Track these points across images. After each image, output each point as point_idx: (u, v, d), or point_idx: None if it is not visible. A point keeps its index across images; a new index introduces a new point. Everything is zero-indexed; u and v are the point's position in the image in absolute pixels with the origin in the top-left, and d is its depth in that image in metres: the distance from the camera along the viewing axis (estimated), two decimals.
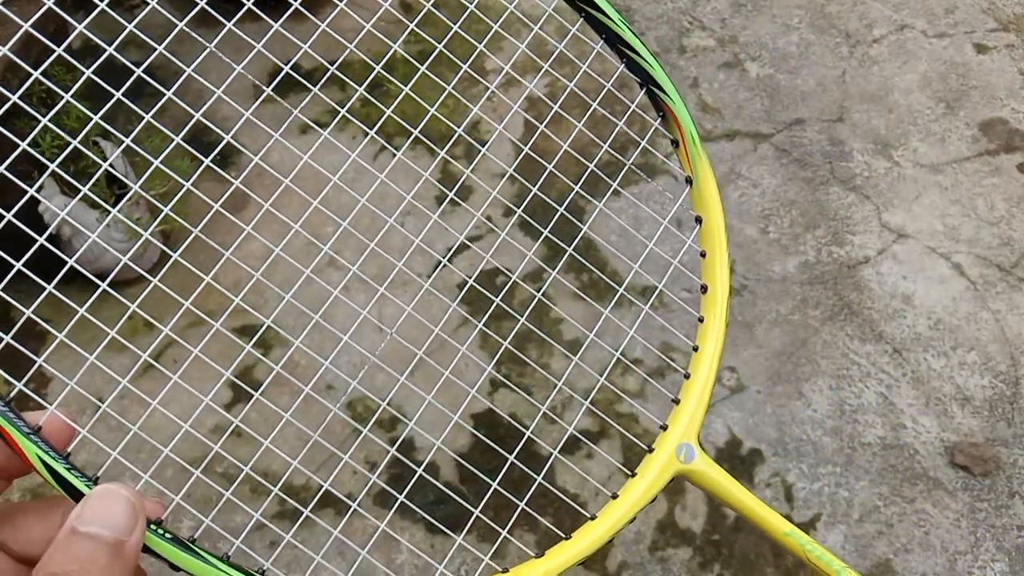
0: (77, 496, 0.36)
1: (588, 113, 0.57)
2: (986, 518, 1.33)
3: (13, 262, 0.39)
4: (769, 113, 1.72)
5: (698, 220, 0.55)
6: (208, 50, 0.43)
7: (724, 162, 1.66)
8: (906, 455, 1.38)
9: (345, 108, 0.50)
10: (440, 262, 1.52)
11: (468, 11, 0.52)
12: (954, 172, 1.65)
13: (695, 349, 0.53)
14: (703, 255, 0.54)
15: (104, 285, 0.40)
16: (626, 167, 0.57)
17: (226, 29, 0.41)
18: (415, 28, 0.50)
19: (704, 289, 0.54)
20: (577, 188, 0.53)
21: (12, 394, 0.37)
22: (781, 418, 1.41)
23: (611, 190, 0.59)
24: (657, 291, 0.58)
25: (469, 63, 0.52)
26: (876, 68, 1.78)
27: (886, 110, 1.72)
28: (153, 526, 0.37)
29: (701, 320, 0.53)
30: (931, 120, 1.71)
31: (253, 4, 0.42)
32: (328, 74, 0.51)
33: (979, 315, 1.50)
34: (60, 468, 0.36)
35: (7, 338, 0.39)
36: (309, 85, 0.48)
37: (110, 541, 0.33)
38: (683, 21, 1.86)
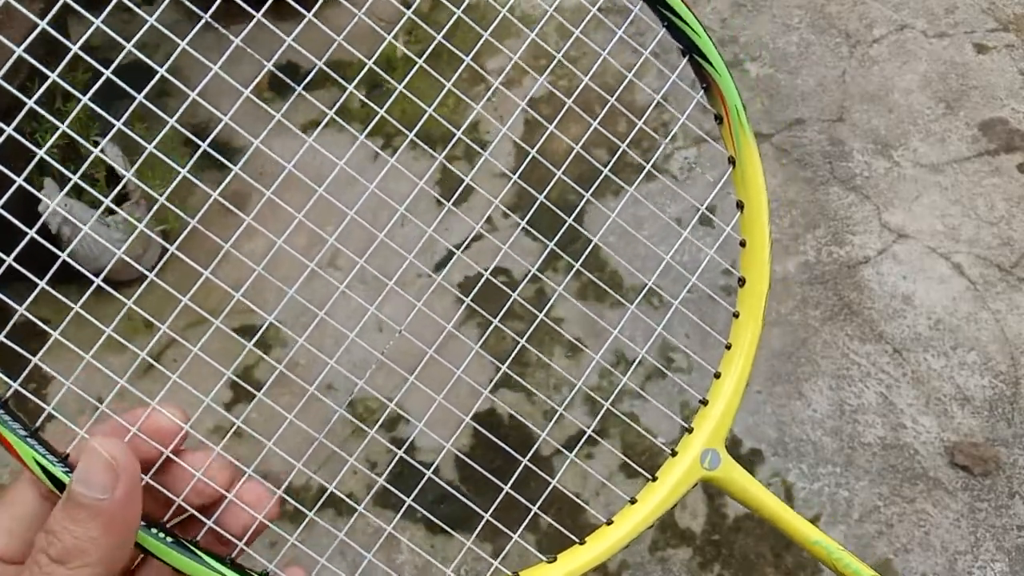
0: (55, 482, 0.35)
1: (611, 107, 0.57)
2: (986, 518, 1.33)
3: (30, 274, 0.39)
4: (769, 113, 1.72)
5: (739, 206, 0.49)
6: (180, 49, 0.43)
7: (724, 162, 1.66)
8: (906, 455, 1.38)
9: (333, 112, 0.50)
10: (440, 263, 1.52)
11: (468, 12, 0.52)
12: (954, 172, 1.65)
13: (728, 347, 0.49)
14: (743, 244, 0.49)
15: (98, 280, 0.40)
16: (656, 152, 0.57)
17: (196, 29, 0.41)
18: (413, 28, 0.50)
19: (742, 282, 0.49)
20: (590, 197, 0.53)
21: (8, 394, 0.37)
22: (781, 418, 1.41)
23: (643, 175, 0.58)
24: (687, 286, 0.57)
25: (466, 64, 0.52)
26: (876, 68, 1.78)
27: (886, 110, 1.72)
28: (154, 530, 0.36)
29: (736, 315, 0.49)
30: (931, 120, 1.71)
31: (244, 2, 0.42)
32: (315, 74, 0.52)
33: (979, 315, 1.50)
34: (58, 472, 0.35)
35: (1, 335, 0.39)
36: (294, 86, 0.48)
37: (87, 501, 0.32)
38: None
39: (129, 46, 0.39)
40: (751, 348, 0.48)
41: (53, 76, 0.38)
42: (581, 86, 0.53)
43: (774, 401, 1.42)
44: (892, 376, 1.44)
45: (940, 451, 1.38)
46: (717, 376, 0.48)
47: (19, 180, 0.35)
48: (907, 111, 1.72)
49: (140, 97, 0.39)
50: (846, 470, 1.37)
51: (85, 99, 0.38)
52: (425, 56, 0.49)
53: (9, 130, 0.35)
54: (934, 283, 1.53)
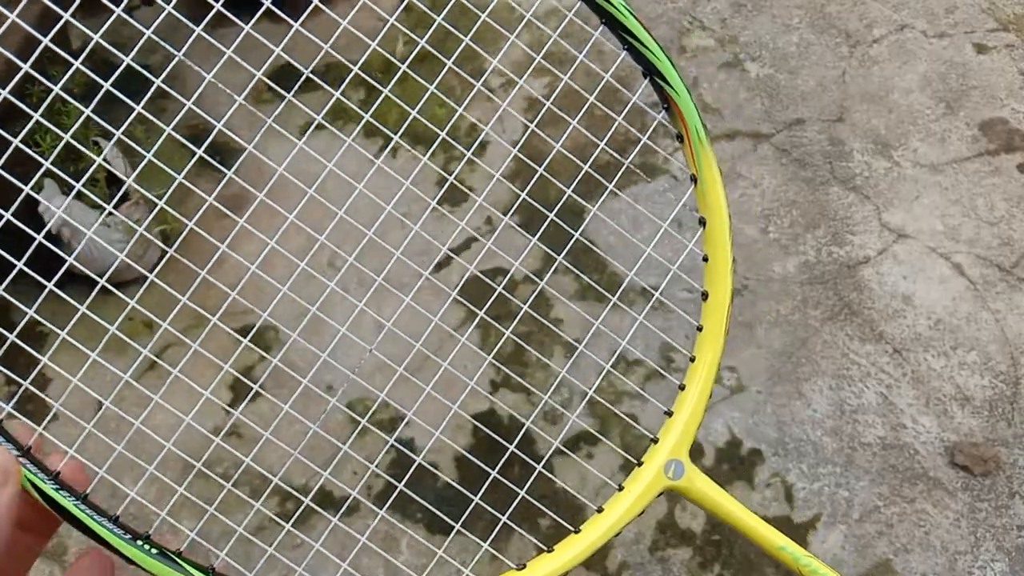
0: (57, 508, 0.35)
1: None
2: (986, 518, 1.33)
3: (14, 260, 0.39)
4: (769, 113, 1.72)
5: (702, 222, 0.51)
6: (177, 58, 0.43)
7: (724, 162, 1.66)
8: (906, 455, 1.38)
9: (321, 113, 0.50)
10: (439, 263, 1.52)
11: (467, 11, 0.52)
12: (954, 172, 1.65)
13: (692, 360, 0.50)
14: (705, 259, 0.51)
15: (103, 281, 0.40)
16: (624, 166, 0.57)
17: (195, 34, 0.41)
18: (411, 30, 0.50)
19: (705, 296, 0.50)
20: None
21: (17, 395, 0.37)
22: (781, 418, 1.41)
23: (608, 191, 0.58)
24: (655, 296, 0.57)
25: (466, 64, 0.52)
26: (876, 68, 1.78)
27: (886, 110, 1.72)
28: (140, 542, 0.37)
29: (700, 329, 0.50)
30: (931, 120, 1.71)
31: (230, 4, 0.42)
32: (300, 79, 0.51)
33: (979, 315, 1.50)
34: (47, 488, 0.35)
35: (11, 336, 0.39)
36: (284, 92, 0.48)
37: None
38: (683, 21, 1.86)
39: (92, 74, 0.39)
40: (714, 361, 0.49)
41: (17, 110, 0.38)
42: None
43: (774, 401, 1.42)
44: (892, 376, 1.44)
45: (940, 451, 1.38)
46: (682, 388, 0.50)
47: None
48: (907, 111, 1.72)
49: (111, 128, 0.39)
50: (846, 470, 1.37)
51: (55, 130, 0.38)
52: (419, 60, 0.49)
53: None
54: (934, 283, 1.53)
